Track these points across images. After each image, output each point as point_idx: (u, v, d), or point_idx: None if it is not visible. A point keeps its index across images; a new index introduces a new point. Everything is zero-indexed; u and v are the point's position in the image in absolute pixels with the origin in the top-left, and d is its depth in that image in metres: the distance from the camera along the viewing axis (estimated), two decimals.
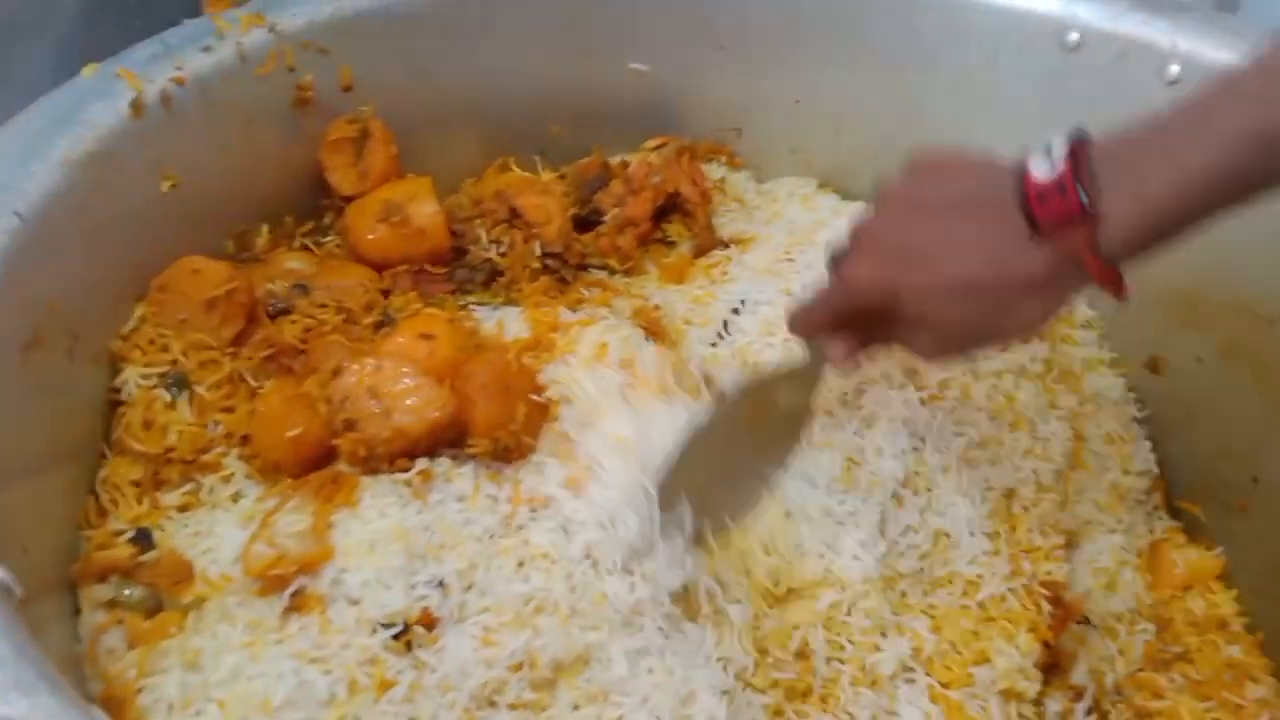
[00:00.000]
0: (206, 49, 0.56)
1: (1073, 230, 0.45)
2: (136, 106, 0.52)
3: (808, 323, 0.55)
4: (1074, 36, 0.68)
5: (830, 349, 0.54)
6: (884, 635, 0.58)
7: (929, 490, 0.61)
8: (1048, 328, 0.58)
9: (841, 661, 0.57)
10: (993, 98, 0.72)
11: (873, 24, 0.73)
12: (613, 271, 0.69)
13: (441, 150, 0.69)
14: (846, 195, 0.77)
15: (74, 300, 0.49)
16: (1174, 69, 0.64)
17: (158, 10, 0.57)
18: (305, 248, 0.65)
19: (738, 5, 0.73)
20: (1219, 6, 0.82)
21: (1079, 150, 0.45)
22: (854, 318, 0.53)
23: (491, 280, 0.64)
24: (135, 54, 0.54)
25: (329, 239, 0.66)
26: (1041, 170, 0.46)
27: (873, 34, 0.73)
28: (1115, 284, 0.47)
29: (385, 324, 0.59)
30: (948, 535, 0.61)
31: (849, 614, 0.57)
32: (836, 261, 0.54)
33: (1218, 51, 0.63)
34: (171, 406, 0.51)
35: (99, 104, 0.51)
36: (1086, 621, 0.66)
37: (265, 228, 0.62)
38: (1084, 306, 0.75)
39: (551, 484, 0.54)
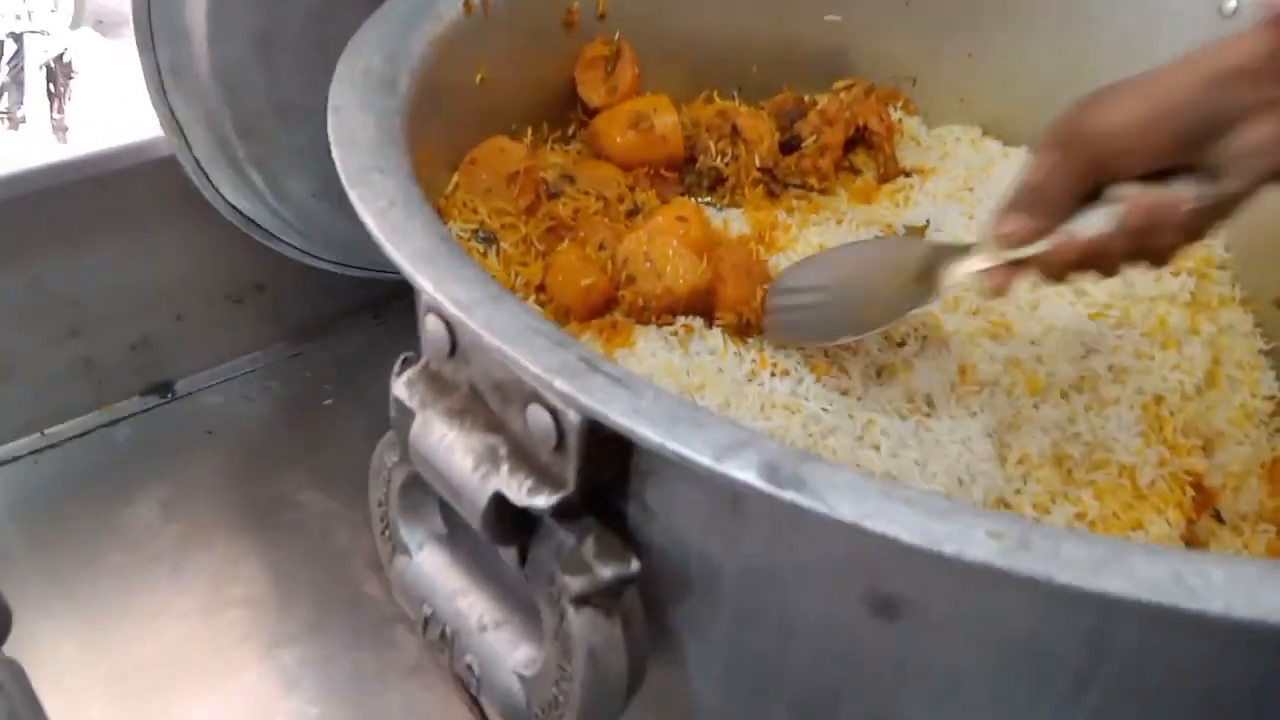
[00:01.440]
0: None
1: None
2: (468, 5, 0.62)
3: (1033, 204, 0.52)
4: (1232, 4, 0.77)
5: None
6: (1054, 501, 0.67)
7: (1094, 391, 0.70)
8: None
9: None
10: (1151, 59, 0.81)
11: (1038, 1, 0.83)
12: (811, 189, 0.79)
13: (662, 78, 0.79)
14: (1008, 142, 0.87)
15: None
16: None
17: None
18: (554, 149, 0.75)
19: None
20: None
21: None
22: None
23: (715, 186, 0.74)
24: None
25: (571, 145, 0.76)
26: None
27: (1039, 8, 0.83)
28: None
29: (634, 212, 0.69)
30: (1109, 429, 0.70)
31: (1024, 482, 0.66)
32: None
33: None
34: (484, 256, 0.62)
35: (444, 1, 0.61)
36: (1218, 517, 0.75)
37: (529, 129, 0.73)
38: (1221, 249, 0.83)
39: (792, 360, 0.64)
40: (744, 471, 0.30)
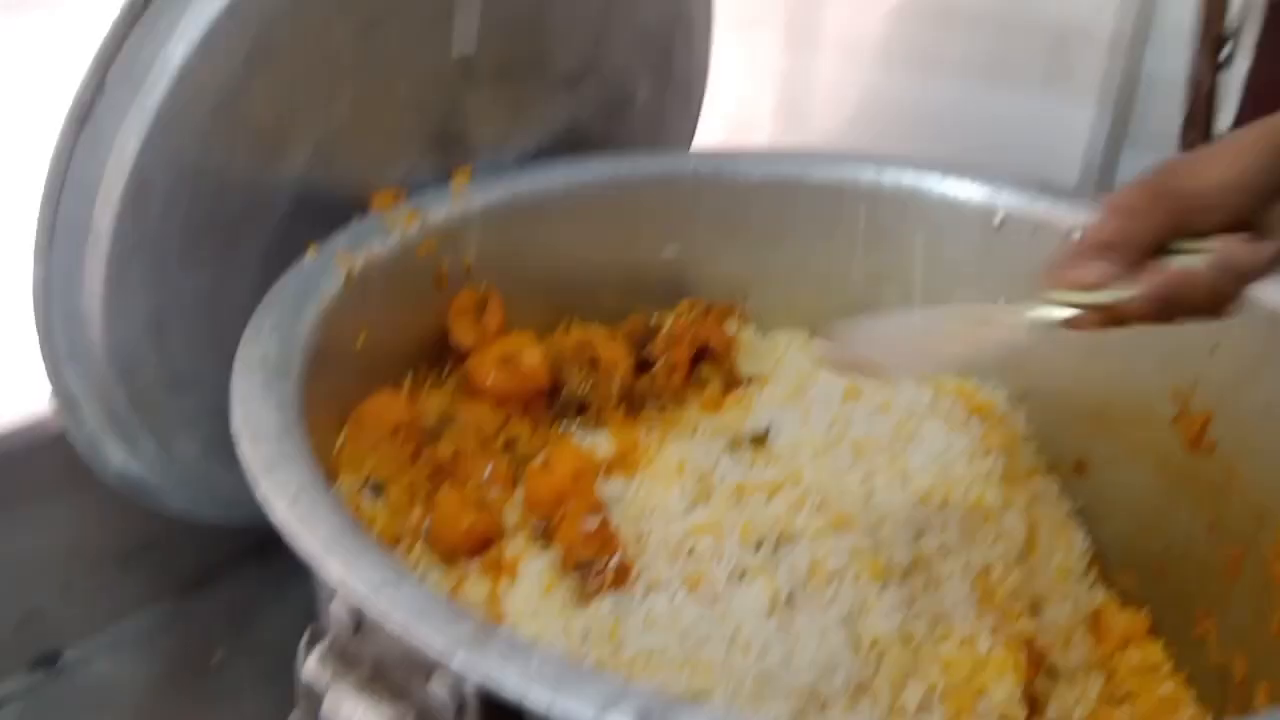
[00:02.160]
0: (383, 238, 0.75)
1: None
2: (349, 280, 0.70)
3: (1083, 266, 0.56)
4: (999, 218, 0.91)
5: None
6: (907, 678, 0.74)
7: (928, 569, 0.79)
8: None
9: (874, 701, 0.73)
10: (940, 264, 0.95)
11: (846, 213, 0.96)
12: (665, 405, 0.87)
13: (526, 313, 0.88)
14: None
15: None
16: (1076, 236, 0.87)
17: (338, 211, 0.76)
18: (431, 391, 0.82)
19: (744, 202, 0.96)
20: (1099, 190, 1.08)
21: None
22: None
23: (581, 411, 0.83)
24: (336, 241, 0.73)
25: (447, 384, 0.83)
26: None
27: (846, 220, 0.96)
28: None
29: (510, 445, 0.77)
30: (946, 603, 0.78)
31: (879, 663, 0.74)
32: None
33: None
34: (374, 507, 0.67)
35: (327, 278, 0.68)
36: (1051, 673, 0.84)
37: (409, 376, 0.80)
38: (1022, 423, 0.95)
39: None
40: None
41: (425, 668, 0.42)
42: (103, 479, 0.76)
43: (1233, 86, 0.88)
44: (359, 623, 0.44)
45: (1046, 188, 0.90)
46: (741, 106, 1.35)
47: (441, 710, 0.41)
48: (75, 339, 0.70)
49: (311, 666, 0.45)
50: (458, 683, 0.40)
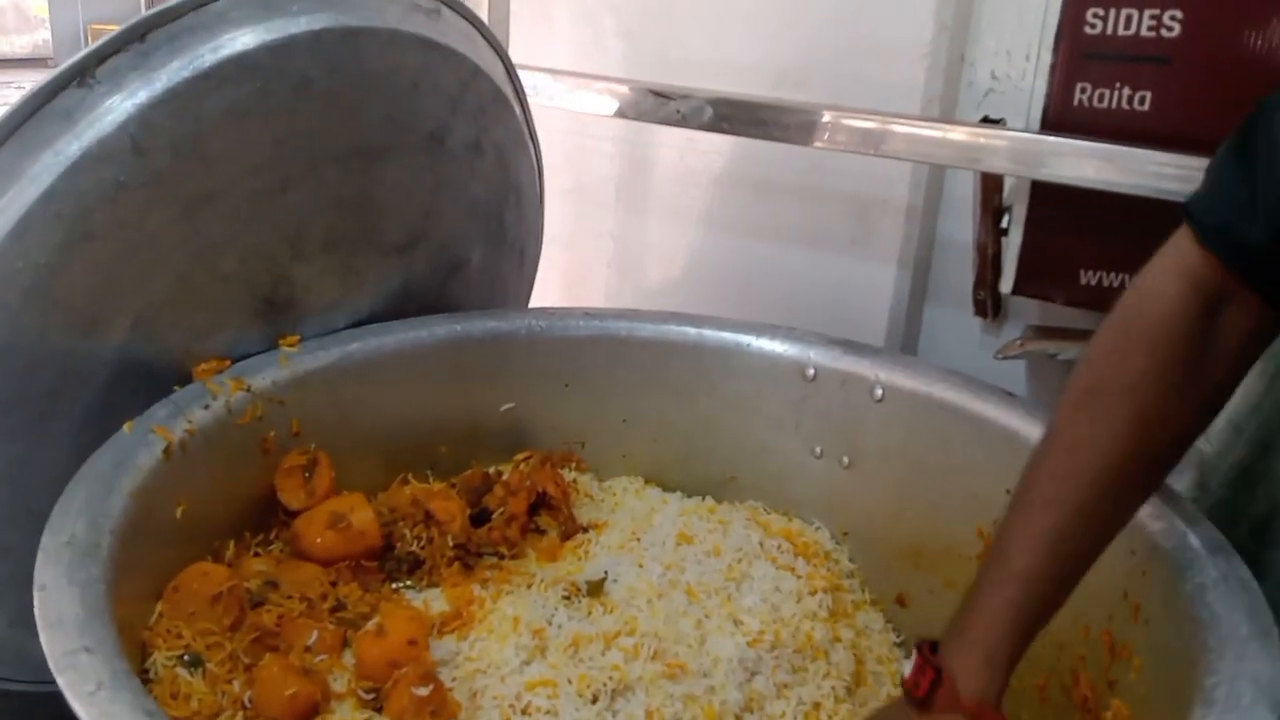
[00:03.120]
0: (206, 406, 0.75)
1: (942, 694, 0.60)
2: (168, 452, 0.69)
3: None
4: (811, 371, 0.97)
5: None
6: None
7: (761, 709, 0.81)
8: None
9: None
10: (760, 414, 1.00)
11: (673, 364, 1.01)
12: (502, 556, 0.88)
13: (360, 471, 0.88)
14: (666, 488, 1.03)
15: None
16: (879, 391, 0.94)
17: (160, 381, 0.76)
18: (256, 554, 0.81)
19: (576, 356, 1.00)
20: (904, 350, 1.18)
21: (924, 648, 0.63)
22: None
23: (414, 568, 0.83)
24: (156, 412, 0.72)
25: (273, 546, 0.82)
26: (907, 668, 0.63)
27: (673, 371, 1.01)
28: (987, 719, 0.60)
29: (338, 608, 0.76)
30: None
31: None
32: None
33: (903, 378, 0.94)
34: (189, 680, 0.65)
35: (144, 451, 0.68)
36: None
37: (232, 541, 0.78)
38: (847, 561, 1.00)
39: None
40: None
41: None
42: None
43: (1010, 254, 0.99)
44: None
45: (851, 345, 0.97)
46: (579, 264, 1.42)
47: None
48: None
49: None
50: None
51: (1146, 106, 0.90)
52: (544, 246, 1.12)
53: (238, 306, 0.80)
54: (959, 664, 0.62)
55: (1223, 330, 0.62)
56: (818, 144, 0.99)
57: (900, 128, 0.95)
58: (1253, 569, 0.83)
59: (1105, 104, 0.92)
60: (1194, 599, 0.63)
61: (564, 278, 1.36)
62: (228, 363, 0.80)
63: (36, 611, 0.51)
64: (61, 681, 0.46)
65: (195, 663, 0.66)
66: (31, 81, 0.69)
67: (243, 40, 0.72)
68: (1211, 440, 0.84)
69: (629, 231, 1.38)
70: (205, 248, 0.75)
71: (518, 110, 0.99)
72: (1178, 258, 0.62)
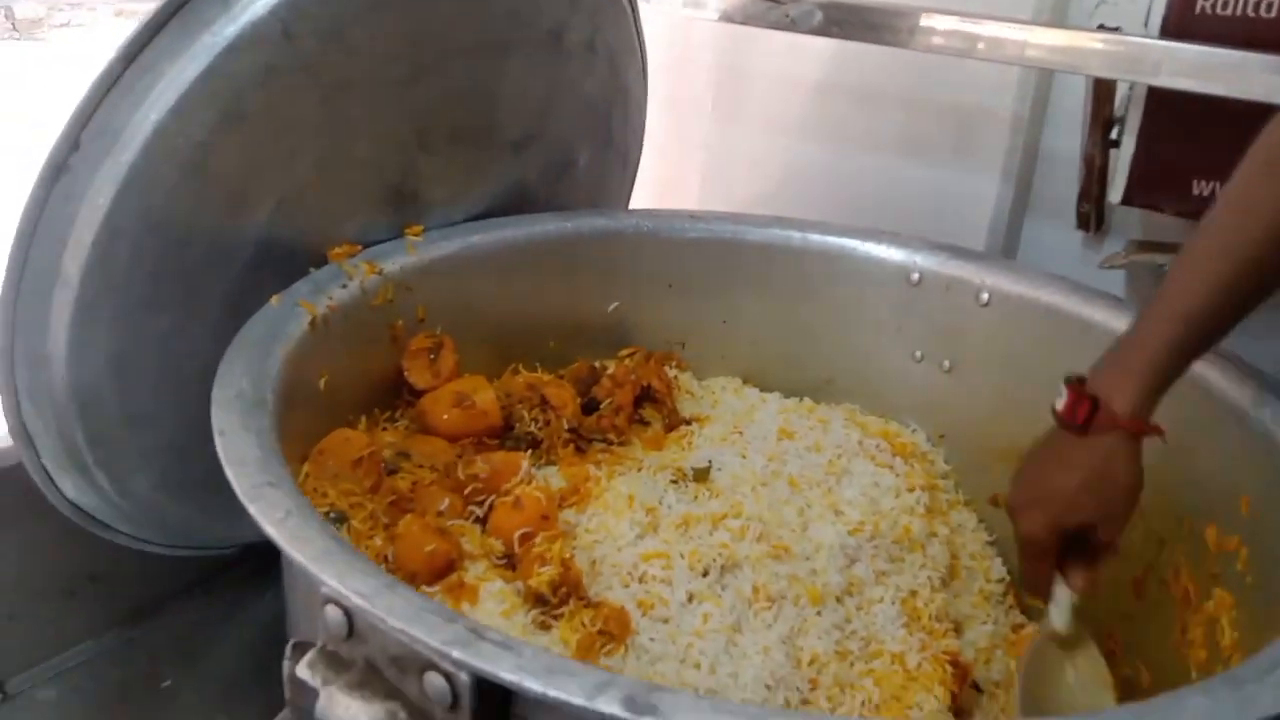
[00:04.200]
0: (344, 286, 0.79)
1: (1101, 417, 0.67)
2: (314, 325, 0.73)
3: (1036, 581, 0.74)
4: (916, 275, 0.99)
5: (1070, 582, 0.72)
6: (843, 692, 0.79)
7: (861, 593, 0.85)
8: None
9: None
10: (861, 319, 1.02)
11: (775, 268, 1.03)
12: (611, 443, 0.92)
13: (475, 357, 0.92)
14: (764, 388, 1.05)
15: None
16: (984, 295, 0.95)
17: (297, 263, 0.80)
18: (384, 429, 0.85)
19: (680, 258, 1.02)
20: (1005, 254, 1.18)
21: (1073, 382, 0.69)
22: (1054, 554, 0.71)
23: (532, 448, 0.87)
24: (300, 288, 0.76)
25: (400, 423, 0.86)
26: (1059, 404, 0.70)
27: (775, 275, 1.03)
28: (1145, 431, 0.68)
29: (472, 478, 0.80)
30: (877, 624, 0.84)
31: (818, 676, 0.79)
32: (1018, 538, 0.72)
33: (1009, 284, 0.95)
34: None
35: (292, 322, 0.72)
36: (976, 687, 0.89)
37: (364, 416, 0.83)
38: (942, 463, 1.02)
39: None
40: (610, 705, 0.40)
41: (418, 665, 0.45)
42: (57, 509, 0.77)
43: (1122, 164, 0.98)
44: (351, 628, 0.48)
45: (957, 250, 0.98)
46: (672, 173, 1.43)
47: (438, 701, 0.44)
48: (37, 376, 0.72)
49: (303, 670, 0.48)
50: (452, 676, 0.44)
51: (1274, 13, 0.88)
52: (643, 153, 1.13)
53: (369, 194, 0.84)
54: (1116, 391, 0.68)
55: None
56: (926, 47, 0.98)
57: (1009, 32, 0.94)
58: None
59: (1229, 10, 0.90)
60: None
61: (657, 186, 1.37)
62: (359, 248, 0.83)
63: (220, 453, 0.55)
64: (253, 509, 0.50)
65: (340, 519, 0.71)
66: None
67: None
68: None
69: (724, 141, 1.38)
70: (343, 133, 0.78)
71: (629, 12, 1.00)
72: None
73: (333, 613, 0.48)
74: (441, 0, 0.79)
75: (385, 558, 0.71)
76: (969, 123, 1.16)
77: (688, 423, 0.97)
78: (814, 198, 1.31)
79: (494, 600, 0.70)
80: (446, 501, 0.76)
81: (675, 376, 1.03)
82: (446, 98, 0.84)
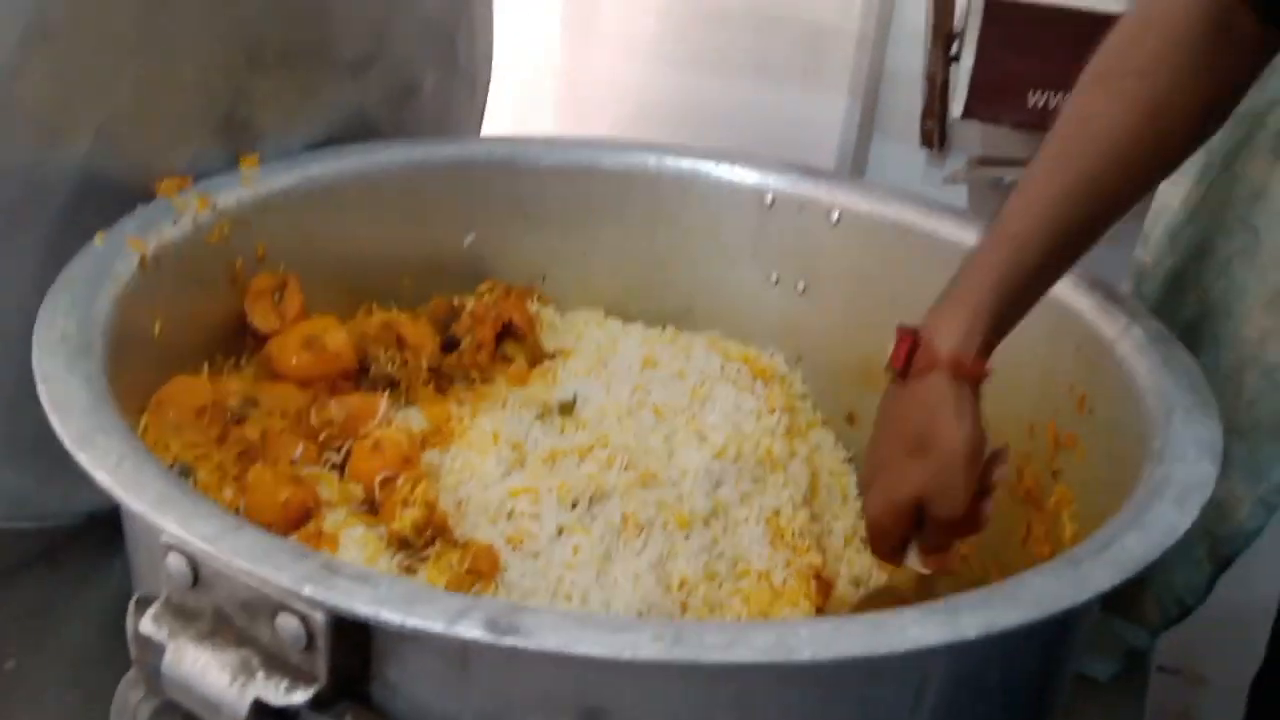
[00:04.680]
0: (174, 222, 0.74)
1: (920, 356, 0.62)
2: (144, 264, 0.68)
3: (888, 551, 0.70)
4: (770, 197, 0.99)
5: (923, 560, 0.68)
6: (712, 613, 0.80)
7: (727, 514, 0.86)
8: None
9: None
10: (718, 244, 1.02)
11: (632, 195, 1.01)
12: (473, 381, 0.90)
13: (325, 298, 0.88)
14: (626, 319, 1.04)
15: None
16: (835, 214, 0.97)
17: (124, 197, 0.74)
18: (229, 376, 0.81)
19: (538, 188, 0.99)
20: (854, 173, 1.20)
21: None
22: (898, 537, 0.67)
23: (390, 389, 0.84)
24: (126, 225, 0.71)
25: (246, 369, 0.82)
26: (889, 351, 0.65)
27: (632, 202, 1.01)
28: (968, 370, 0.62)
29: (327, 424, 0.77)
30: (743, 544, 0.85)
31: (688, 599, 0.80)
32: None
33: (858, 201, 0.96)
34: None
35: (119, 261, 0.67)
36: (839, 600, 0.92)
37: (205, 363, 0.78)
38: (799, 383, 1.04)
39: None
40: (472, 629, 0.39)
41: (270, 608, 0.43)
42: None
43: (961, 78, 1.01)
44: (196, 575, 0.45)
45: (809, 170, 0.99)
46: (524, 97, 1.39)
47: (292, 644, 0.42)
48: None
49: (147, 625, 0.45)
50: (306, 616, 0.42)
51: None
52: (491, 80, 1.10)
53: (198, 120, 0.78)
54: (938, 325, 0.62)
55: (1232, 36, 0.61)
56: None
57: None
58: None
59: None
60: (1139, 383, 0.68)
61: (510, 112, 1.33)
62: (190, 180, 0.78)
63: (44, 400, 0.50)
64: (82, 458, 0.47)
65: (185, 473, 0.67)
66: None
67: None
68: (1149, 249, 0.89)
69: (577, 66, 1.35)
70: (165, 53, 0.72)
71: None
72: None
73: (175, 561, 0.45)
74: None
75: (236, 510, 0.68)
76: (816, 42, 1.17)
77: (551, 357, 0.95)
78: (669, 122, 1.30)
79: (356, 546, 0.68)
80: (301, 448, 0.72)
81: (537, 311, 1.00)
82: (275, 13, 0.79)
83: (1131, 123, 0.62)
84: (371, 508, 0.72)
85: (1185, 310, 0.89)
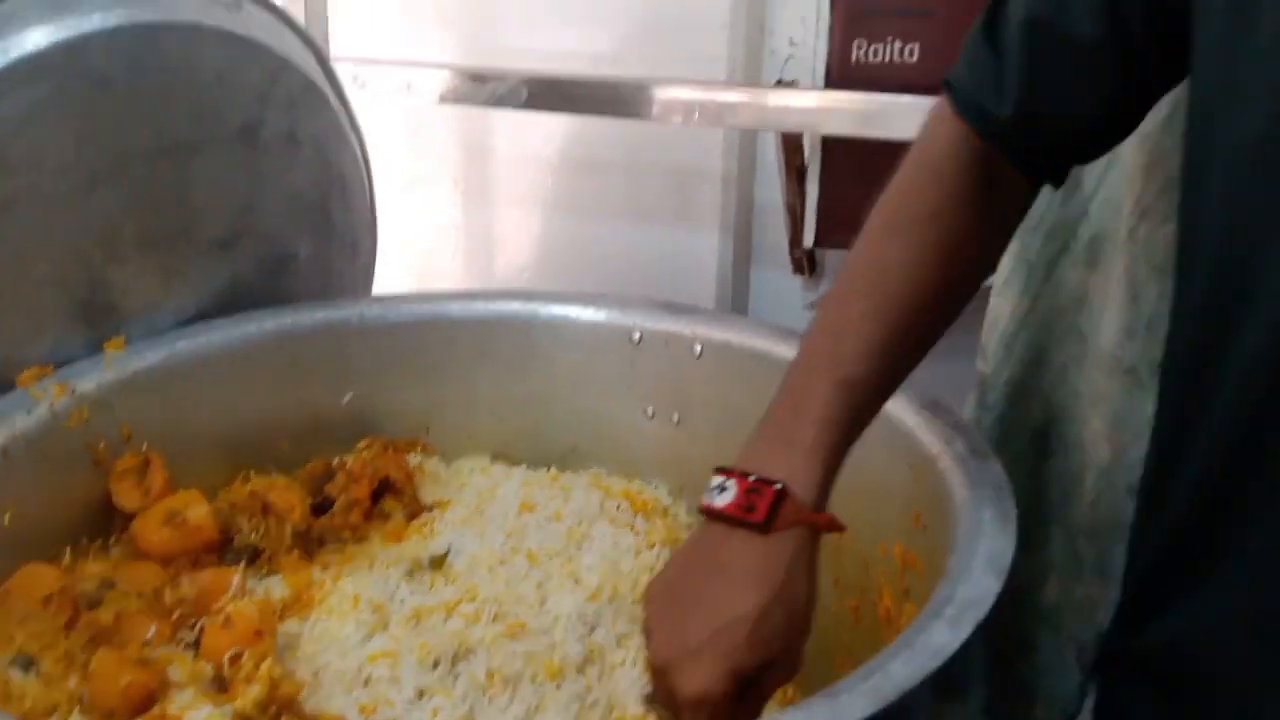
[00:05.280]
0: (29, 411, 0.76)
1: (787, 509, 0.58)
2: None
3: None
4: (637, 335, 1.02)
5: None
6: None
7: (602, 659, 0.84)
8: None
9: None
10: (593, 382, 1.05)
11: (507, 341, 1.04)
12: (345, 543, 0.91)
13: (199, 471, 0.90)
14: (512, 463, 1.06)
15: None
16: (698, 347, 0.99)
17: None
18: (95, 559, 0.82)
19: (412, 340, 1.02)
20: (735, 305, 1.24)
21: (735, 472, 0.61)
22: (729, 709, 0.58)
23: (254, 559, 0.85)
24: None
25: (114, 551, 0.83)
26: (726, 499, 0.60)
27: (508, 347, 1.04)
28: (831, 525, 0.61)
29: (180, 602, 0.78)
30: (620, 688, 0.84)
31: None
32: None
33: (718, 333, 0.99)
34: (22, 681, 0.66)
35: None
36: None
37: (69, 547, 0.79)
38: (683, 514, 1.04)
39: None
40: None
41: None
42: None
43: (809, 210, 1.06)
44: None
45: (673, 306, 1.03)
46: (428, 256, 1.44)
47: None
48: None
49: None
50: None
51: (915, 58, 0.98)
52: (388, 241, 1.14)
53: (55, 311, 0.81)
54: (796, 477, 0.60)
55: (999, 184, 0.65)
56: (625, 114, 1.04)
57: (690, 93, 1.00)
58: (1032, 479, 0.93)
59: (879, 58, 0.99)
60: (954, 498, 0.70)
61: (412, 272, 1.38)
62: (50, 369, 0.80)
63: None
64: None
65: (28, 664, 0.67)
66: None
67: (33, 39, 0.73)
68: (988, 360, 0.92)
69: (471, 220, 1.41)
70: (14, 254, 0.76)
71: (333, 101, 1.01)
72: (945, 115, 0.66)
73: None
74: (109, 106, 0.78)
75: (80, 699, 0.68)
76: (686, 183, 1.23)
77: (430, 509, 0.97)
78: (561, 268, 1.35)
79: None
80: (154, 629, 0.73)
81: (420, 463, 1.02)
82: (131, 204, 0.83)
83: (929, 268, 0.65)
84: (221, 685, 0.72)
85: (1031, 418, 0.92)
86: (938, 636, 0.54)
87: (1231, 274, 0.51)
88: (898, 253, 0.66)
